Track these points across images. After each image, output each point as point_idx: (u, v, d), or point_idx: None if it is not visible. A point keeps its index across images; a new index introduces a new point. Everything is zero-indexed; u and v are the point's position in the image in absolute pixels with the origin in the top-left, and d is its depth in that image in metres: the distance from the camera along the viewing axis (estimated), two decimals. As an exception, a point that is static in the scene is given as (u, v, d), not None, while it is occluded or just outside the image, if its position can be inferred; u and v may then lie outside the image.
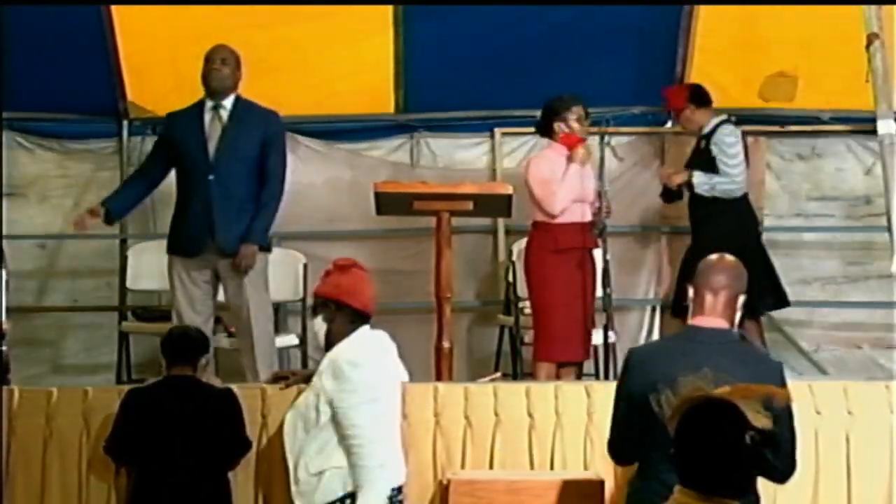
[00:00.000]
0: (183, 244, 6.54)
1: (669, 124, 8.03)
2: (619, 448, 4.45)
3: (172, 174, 6.66)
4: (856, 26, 6.26)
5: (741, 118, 7.83)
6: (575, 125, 6.77)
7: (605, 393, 5.04)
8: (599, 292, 6.80)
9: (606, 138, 6.84)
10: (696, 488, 3.26)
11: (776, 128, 8.05)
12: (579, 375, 6.82)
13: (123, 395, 5.35)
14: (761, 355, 4.70)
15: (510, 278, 7.63)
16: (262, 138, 6.54)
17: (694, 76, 7.76)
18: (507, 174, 7.77)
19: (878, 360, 7.78)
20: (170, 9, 7.32)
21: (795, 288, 7.77)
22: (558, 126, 6.81)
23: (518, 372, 7.35)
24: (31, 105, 7.61)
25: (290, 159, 7.75)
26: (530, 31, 7.56)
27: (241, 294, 6.49)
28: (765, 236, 7.89)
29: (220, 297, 6.64)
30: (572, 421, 5.50)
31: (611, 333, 6.74)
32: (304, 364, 7.11)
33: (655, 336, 7.83)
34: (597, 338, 6.75)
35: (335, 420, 4.90)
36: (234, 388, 5.47)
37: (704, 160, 7.16)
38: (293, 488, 4.97)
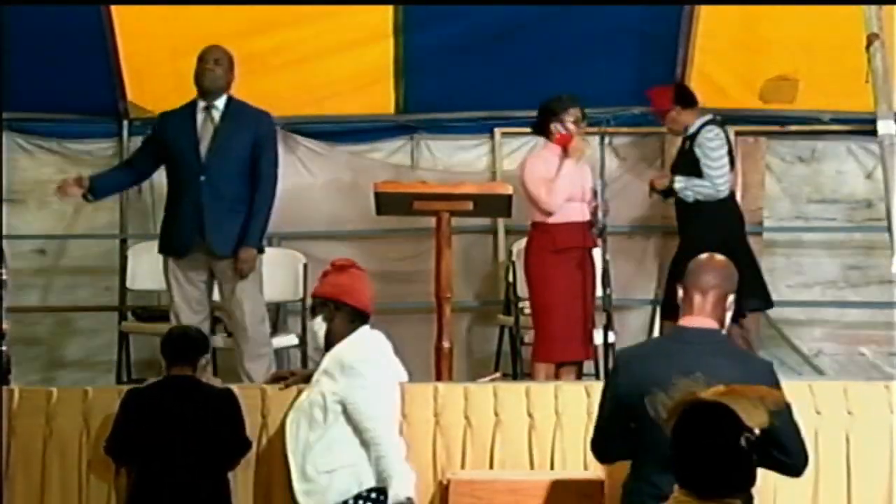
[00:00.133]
0: (173, 244, 6.56)
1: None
2: (602, 447, 4.47)
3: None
4: (856, 27, 6.25)
5: (741, 119, 7.85)
6: (571, 127, 6.76)
7: (605, 393, 5.03)
8: (599, 292, 6.80)
9: (607, 138, 6.83)
10: (694, 490, 3.27)
11: (776, 128, 8.05)
12: (579, 375, 6.82)
13: (123, 395, 5.35)
14: (751, 355, 4.72)
15: (510, 278, 7.63)
16: (254, 139, 6.54)
17: (694, 77, 7.75)
18: (507, 176, 7.74)
19: (882, 368, 7.77)
20: (170, 9, 7.32)
21: (796, 291, 7.77)
22: (554, 127, 6.81)
23: (518, 372, 7.35)
24: (30, 105, 7.60)
25: (291, 160, 7.81)
26: (530, 31, 7.56)
27: (234, 295, 6.50)
28: (765, 237, 7.91)
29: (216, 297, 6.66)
30: (572, 421, 5.50)
31: (611, 333, 6.74)
32: (304, 364, 7.11)
33: (656, 335, 7.83)
34: (597, 338, 6.75)
35: (349, 417, 4.92)
36: (234, 388, 5.47)
37: (689, 161, 7.12)
38: (297, 487, 4.98)
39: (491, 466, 5.51)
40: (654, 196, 7.40)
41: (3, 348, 5.99)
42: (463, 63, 7.61)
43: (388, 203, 6.52)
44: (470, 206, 6.37)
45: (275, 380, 5.67)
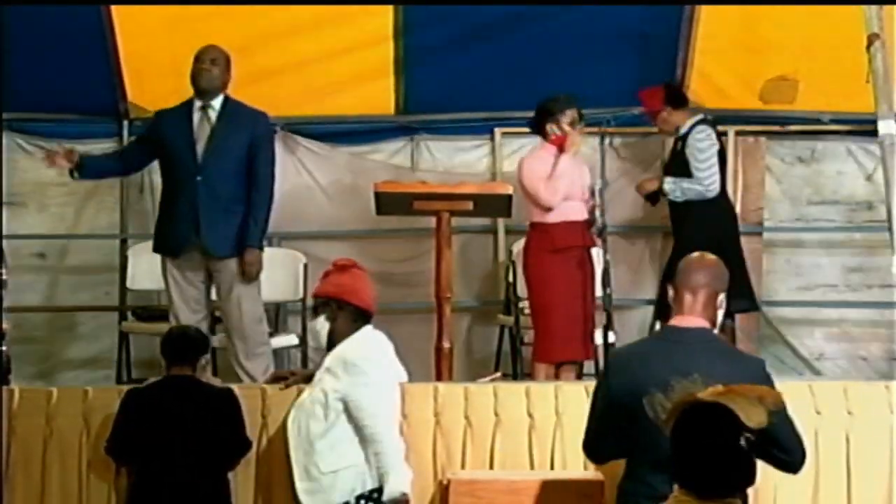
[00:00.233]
0: (169, 244, 6.57)
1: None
2: (594, 447, 4.47)
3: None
4: (856, 27, 6.26)
5: (741, 119, 7.84)
6: (567, 128, 6.76)
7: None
8: (599, 292, 6.80)
9: (607, 139, 6.83)
10: (694, 490, 3.27)
11: (776, 128, 8.05)
12: (579, 375, 6.83)
13: (123, 395, 5.36)
14: (743, 354, 4.71)
15: (510, 278, 7.63)
16: (251, 139, 6.53)
17: (694, 77, 7.75)
18: (508, 177, 7.72)
19: (882, 369, 7.77)
20: (170, 9, 7.32)
21: (796, 292, 7.77)
22: (550, 128, 6.81)
23: (518, 372, 7.35)
24: (31, 105, 7.59)
25: (291, 161, 7.81)
26: (531, 32, 7.56)
27: (232, 295, 6.50)
28: (765, 238, 7.90)
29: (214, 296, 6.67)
30: (572, 421, 5.47)
31: (611, 333, 6.73)
32: (304, 364, 7.10)
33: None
34: (597, 338, 6.74)
35: (350, 415, 4.92)
36: (234, 388, 5.47)
37: (681, 162, 7.12)
38: (300, 486, 4.99)
39: (491, 466, 5.51)
40: (646, 199, 7.42)
41: (3, 348, 5.99)
42: (463, 63, 7.61)
43: (388, 203, 6.52)
44: (470, 205, 6.37)
45: (275, 380, 5.68)
